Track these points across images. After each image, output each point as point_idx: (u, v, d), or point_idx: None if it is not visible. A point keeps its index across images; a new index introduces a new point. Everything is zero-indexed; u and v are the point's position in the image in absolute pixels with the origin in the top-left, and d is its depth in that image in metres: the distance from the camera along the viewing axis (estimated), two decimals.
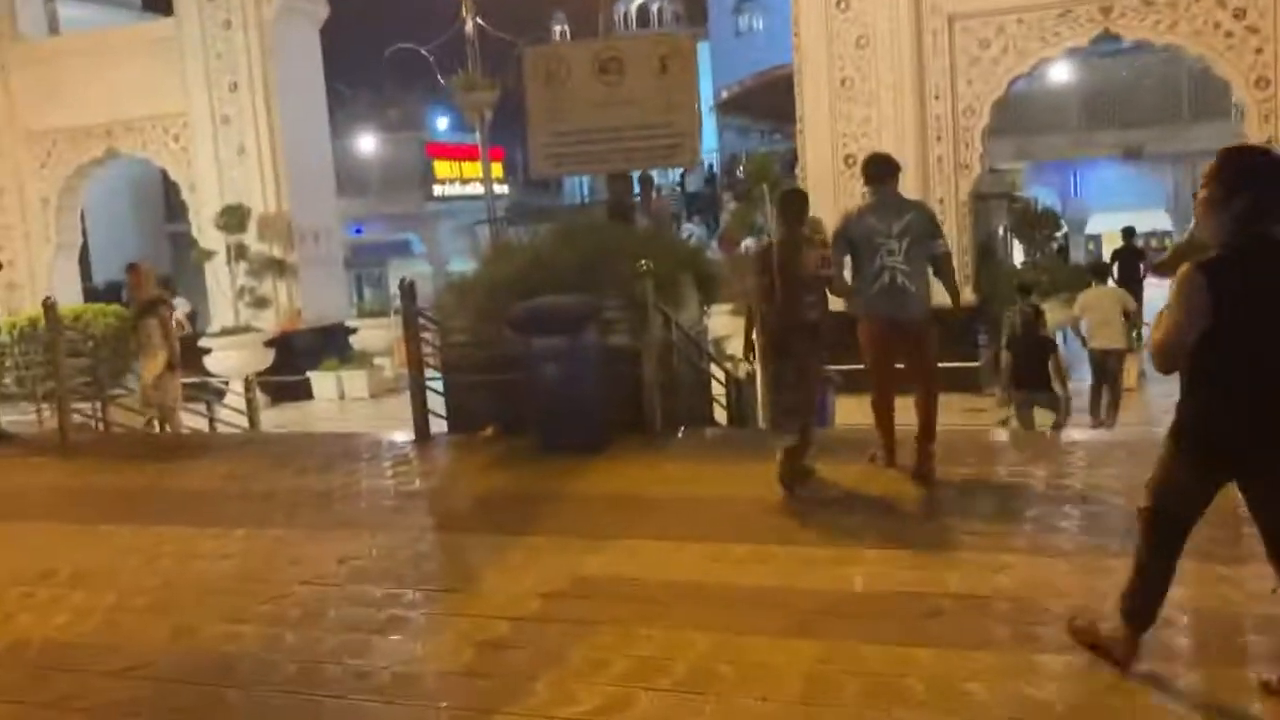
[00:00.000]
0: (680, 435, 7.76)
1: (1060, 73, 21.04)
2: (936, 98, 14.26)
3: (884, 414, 6.24)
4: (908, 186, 12.79)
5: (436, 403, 8.44)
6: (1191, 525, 3.39)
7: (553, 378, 7.27)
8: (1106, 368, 11.23)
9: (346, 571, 5.13)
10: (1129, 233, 18.37)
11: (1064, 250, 20.01)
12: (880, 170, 6.23)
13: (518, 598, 4.57)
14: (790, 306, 5.70)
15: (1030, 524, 5.13)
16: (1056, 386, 8.91)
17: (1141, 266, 16.98)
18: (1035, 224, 14.96)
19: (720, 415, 9.28)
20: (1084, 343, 11.55)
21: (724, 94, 34.41)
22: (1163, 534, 3.40)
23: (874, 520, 5.44)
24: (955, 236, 13.39)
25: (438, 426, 8.40)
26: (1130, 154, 21.29)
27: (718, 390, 9.30)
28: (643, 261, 7.48)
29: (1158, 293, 20.65)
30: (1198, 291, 3.14)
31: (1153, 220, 22.58)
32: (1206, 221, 3.27)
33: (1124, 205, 22.41)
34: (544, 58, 8.42)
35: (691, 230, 23.82)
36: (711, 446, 7.66)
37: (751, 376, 9.84)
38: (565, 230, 8.20)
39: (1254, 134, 13.20)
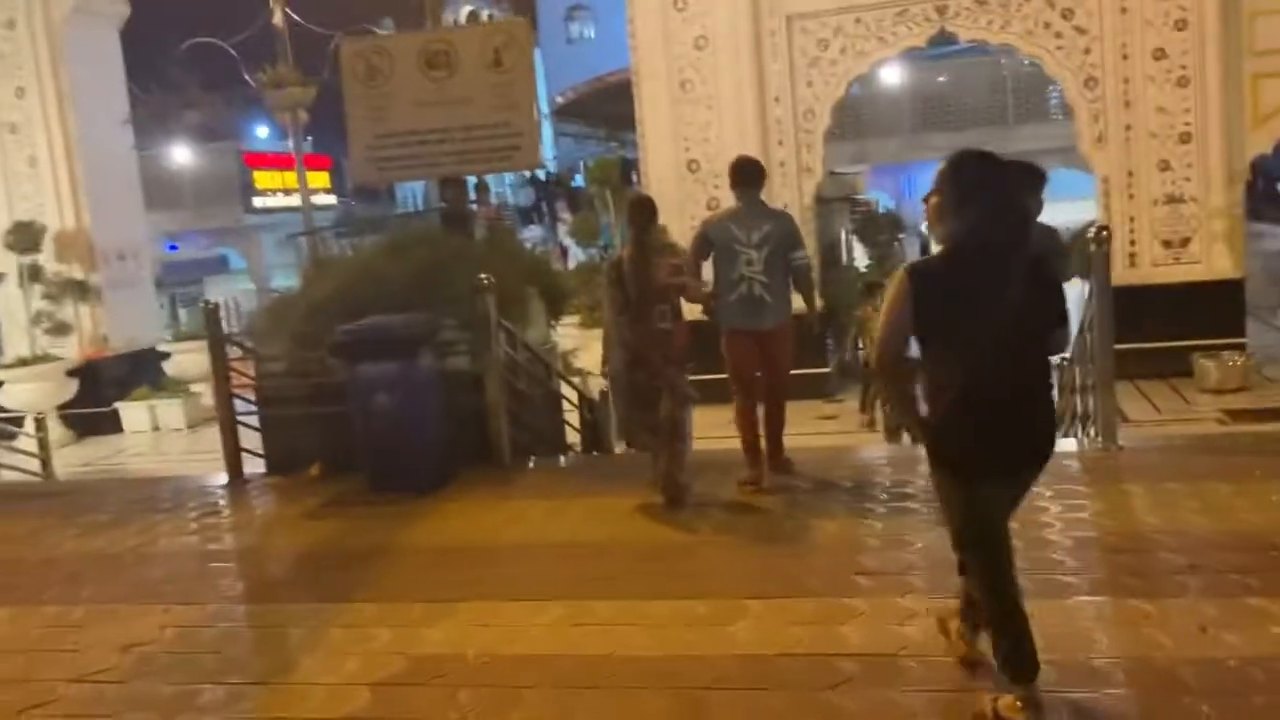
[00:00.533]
0: (532, 465, 7.04)
1: (893, 76, 21.23)
2: (777, 100, 13.96)
3: (748, 428, 5.98)
4: None
5: (255, 439, 7.48)
6: (1004, 537, 3.19)
7: (383, 409, 6.44)
8: None
9: (131, 662, 4.21)
10: None
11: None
12: (746, 175, 6.09)
13: (342, 690, 3.77)
14: (643, 317, 5.56)
15: (925, 556, 4.62)
16: None
17: None
18: (878, 227, 14.82)
19: (574, 439, 8.62)
20: None
21: (559, 99, 33.78)
22: (985, 562, 3.18)
23: (753, 560, 4.85)
24: None
25: (256, 466, 7.45)
26: None
27: (570, 412, 8.62)
28: (483, 275, 6.74)
29: None
30: (904, 296, 3.11)
31: None
32: (937, 226, 3.23)
33: None
34: (363, 51, 7.57)
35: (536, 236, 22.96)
36: (567, 477, 6.96)
37: (606, 395, 9.23)
38: (395, 242, 7.38)
39: (1084, 133, 13.36)
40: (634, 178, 14.54)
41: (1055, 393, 3.60)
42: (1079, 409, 7.56)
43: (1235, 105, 12.88)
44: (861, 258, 15.82)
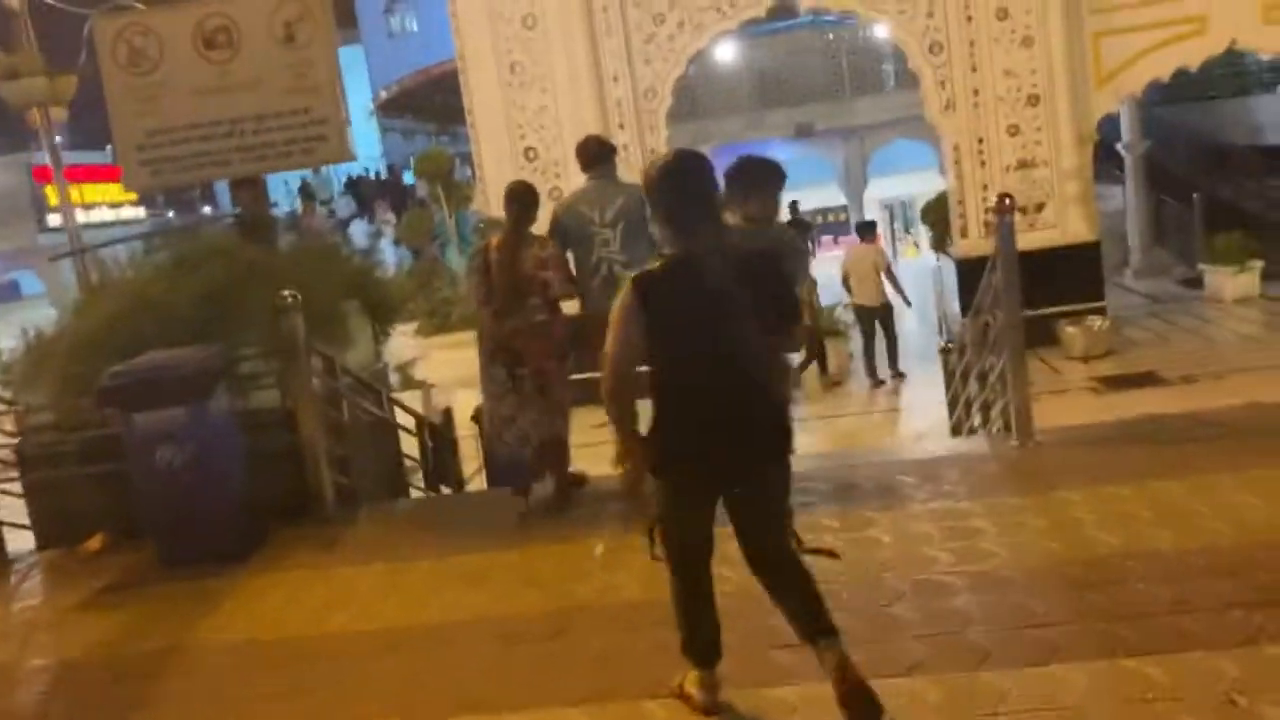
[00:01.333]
0: (363, 516, 5.92)
1: (728, 54, 20.63)
2: (615, 80, 13.04)
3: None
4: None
5: (19, 508, 6.13)
6: (706, 550, 3.22)
7: (169, 465, 5.22)
8: (874, 322, 12.25)
9: None
10: (794, 205, 20.07)
11: None
12: (592, 154, 5.83)
13: None
14: (511, 310, 5.23)
15: (872, 625, 3.75)
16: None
17: (809, 238, 19.39)
18: None
19: (418, 475, 7.52)
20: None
21: (383, 94, 32.06)
22: (684, 568, 3.22)
23: (653, 633, 3.89)
24: None
25: (24, 541, 6.11)
26: (802, 132, 21.22)
27: (415, 441, 7.51)
28: (286, 291, 5.58)
29: (827, 263, 20.98)
30: (634, 308, 3.08)
31: (827, 196, 22.72)
32: (660, 233, 3.24)
33: (798, 183, 22.36)
34: (124, 31, 6.26)
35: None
36: (407, 528, 5.84)
37: (450, 413, 8.16)
38: (180, 258, 6.11)
39: (931, 100, 12.88)
40: (470, 171, 13.38)
41: (788, 390, 3.55)
42: (976, 398, 6.89)
43: (1079, 65, 12.61)
44: None
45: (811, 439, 9.91)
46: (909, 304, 12.93)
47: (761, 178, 4.45)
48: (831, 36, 21.40)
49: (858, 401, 11.66)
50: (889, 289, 12.35)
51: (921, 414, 10.23)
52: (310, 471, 5.76)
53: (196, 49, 6.31)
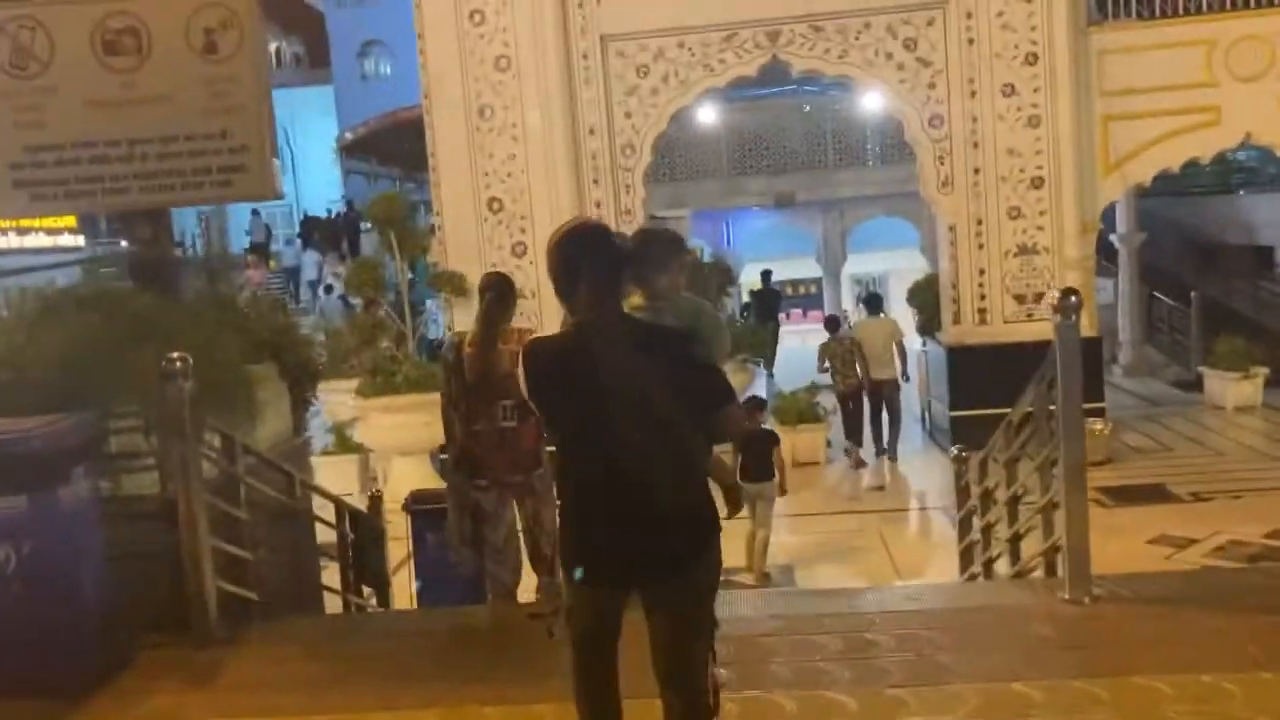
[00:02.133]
0: (255, 636, 4.75)
1: (709, 116, 19.86)
2: (592, 132, 12.12)
3: None
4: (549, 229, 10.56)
5: None
6: (608, 644, 2.95)
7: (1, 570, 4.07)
8: (882, 396, 11.90)
9: None
10: (766, 275, 19.87)
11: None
12: None
13: None
14: (479, 414, 4.65)
15: None
16: (777, 474, 8.14)
17: (778, 307, 19.99)
18: (706, 279, 13.13)
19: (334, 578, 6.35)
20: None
21: (349, 135, 31.09)
22: (582, 657, 2.99)
23: None
24: None
25: None
26: (782, 201, 20.42)
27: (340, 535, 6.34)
28: (176, 354, 4.47)
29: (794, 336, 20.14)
30: (524, 378, 2.95)
31: (803, 268, 21.91)
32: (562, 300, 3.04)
33: (775, 254, 21.58)
34: (6, 25, 5.19)
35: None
36: (307, 659, 4.66)
37: (378, 500, 7.03)
38: (47, 303, 4.98)
39: (928, 176, 12.08)
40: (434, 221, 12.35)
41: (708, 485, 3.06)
42: (996, 519, 5.89)
43: (1087, 150, 11.87)
44: None
45: (796, 540, 8.88)
46: (907, 379, 12.36)
47: (664, 251, 4.17)
48: (810, 107, 20.76)
49: (838, 496, 10.64)
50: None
51: (917, 520, 9.29)
52: (191, 577, 4.61)
53: (95, 53, 5.22)
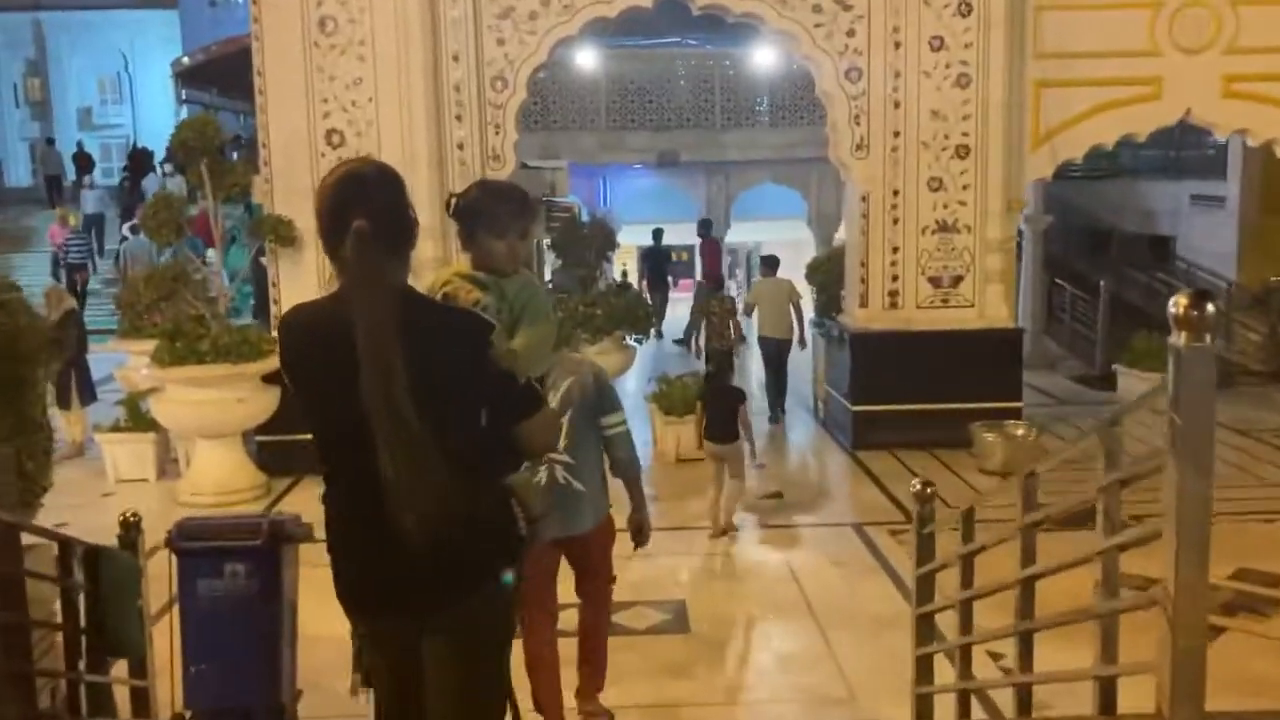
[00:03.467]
0: None
1: (588, 62, 18.08)
2: (456, 59, 10.21)
3: (545, 674, 4.37)
4: (417, 184, 8.89)
5: None
6: (414, 697, 2.56)
7: None
8: (774, 355, 11.86)
9: None
10: (658, 234, 18.86)
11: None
12: None
13: None
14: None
15: None
16: (743, 434, 7.80)
17: (668, 269, 19.39)
18: (584, 240, 11.39)
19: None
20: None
21: (185, 61, 28.05)
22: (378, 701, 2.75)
23: None
24: None
25: None
26: (665, 160, 18.80)
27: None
28: None
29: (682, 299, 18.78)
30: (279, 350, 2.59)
31: (684, 234, 20.37)
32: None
33: (655, 217, 19.97)
34: None
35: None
36: None
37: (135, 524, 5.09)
38: None
39: (841, 139, 10.59)
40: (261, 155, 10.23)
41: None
42: (1000, 616, 4.34)
43: (1017, 118, 10.57)
44: (561, 279, 12.31)
45: (685, 564, 7.28)
46: (804, 345, 11.99)
47: (505, 209, 3.44)
48: (696, 62, 19.22)
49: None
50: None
51: (829, 540, 7.81)
52: None
53: None
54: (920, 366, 10.38)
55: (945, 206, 10.53)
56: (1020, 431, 9.78)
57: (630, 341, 10.74)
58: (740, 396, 7.89)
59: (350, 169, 2.58)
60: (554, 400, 4.09)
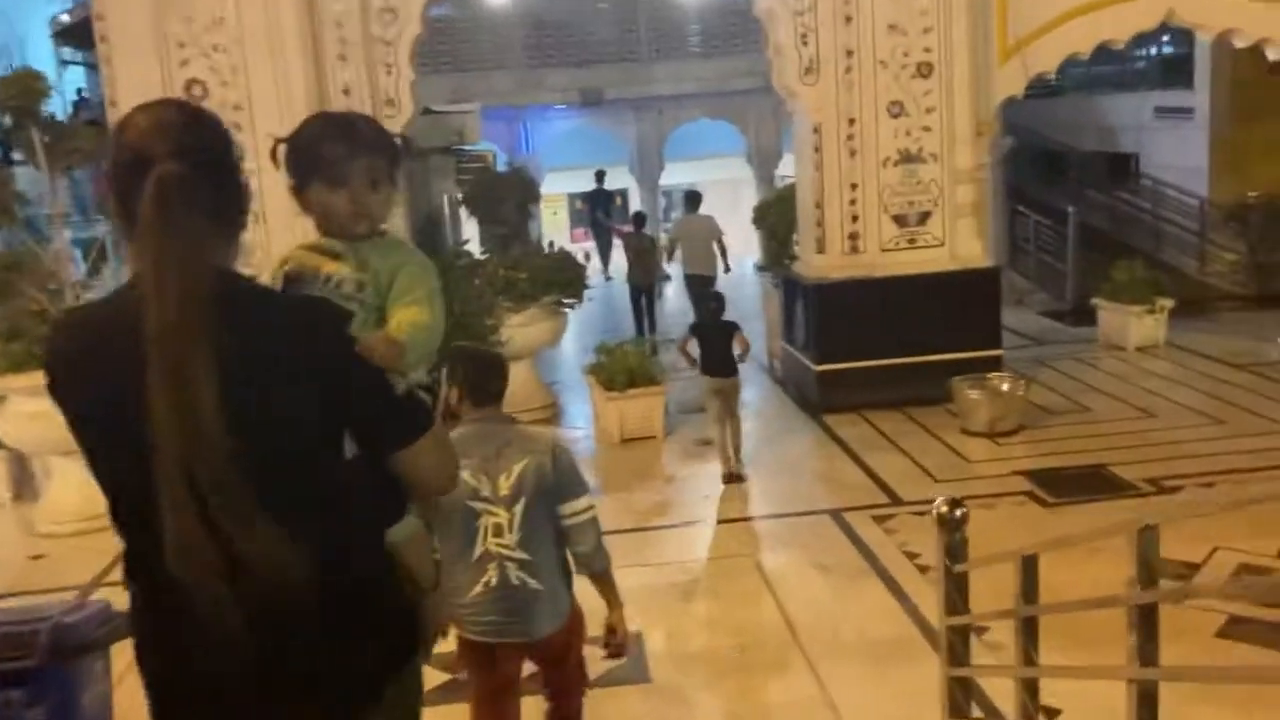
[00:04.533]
0: None
1: None
2: None
3: None
4: (279, 131, 7.29)
5: None
6: None
7: None
8: (700, 292, 11.18)
9: None
10: (600, 175, 17.71)
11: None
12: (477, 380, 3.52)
13: None
14: None
15: None
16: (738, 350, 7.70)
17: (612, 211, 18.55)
18: (501, 193, 9.98)
19: None
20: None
21: (64, 18, 25.81)
22: None
23: None
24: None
25: None
26: (589, 99, 17.34)
27: None
28: None
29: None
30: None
31: (616, 178, 18.96)
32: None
33: (582, 161, 18.52)
34: None
35: None
36: None
37: None
38: None
39: (787, 63, 9.29)
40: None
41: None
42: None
43: (983, 27, 9.33)
44: (477, 239, 10.88)
45: (643, 582, 6.04)
46: (728, 270, 12.28)
47: (343, 145, 2.25)
48: None
49: (690, 493, 7.87)
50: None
51: (807, 532, 6.61)
52: None
53: None
54: (888, 317, 9.22)
55: (908, 134, 9.29)
56: (1006, 386, 8.65)
57: (560, 308, 9.42)
58: (734, 326, 7.76)
59: (155, 110, 1.84)
60: (505, 486, 3.39)
